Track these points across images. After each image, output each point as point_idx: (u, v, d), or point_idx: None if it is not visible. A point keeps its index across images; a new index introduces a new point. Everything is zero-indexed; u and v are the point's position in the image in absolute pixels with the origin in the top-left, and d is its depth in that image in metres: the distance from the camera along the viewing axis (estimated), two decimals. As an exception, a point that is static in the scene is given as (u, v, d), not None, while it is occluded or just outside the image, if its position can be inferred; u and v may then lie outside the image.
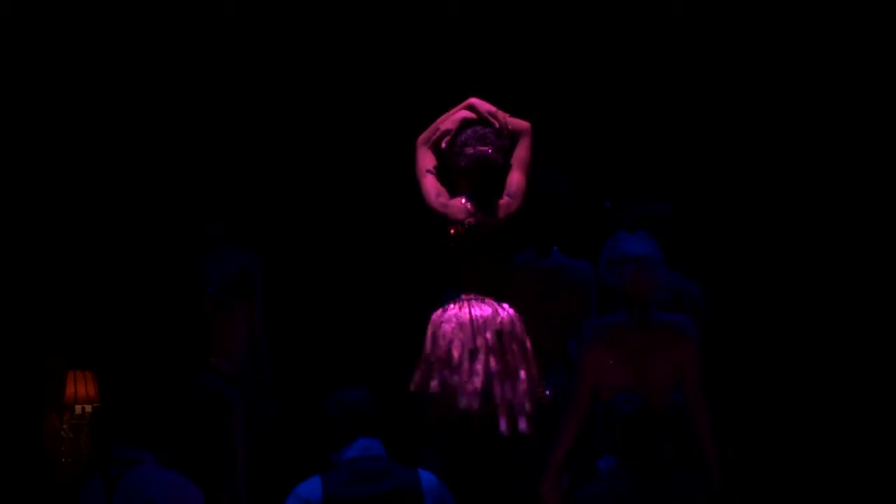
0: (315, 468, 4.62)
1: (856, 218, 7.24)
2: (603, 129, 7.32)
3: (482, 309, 5.52)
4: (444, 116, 5.73)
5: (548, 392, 5.54)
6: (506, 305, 5.57)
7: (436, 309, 5.59)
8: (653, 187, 6.80)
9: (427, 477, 4.61)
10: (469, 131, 5.70)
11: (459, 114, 5.72)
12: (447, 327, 5.53)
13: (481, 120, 5.69)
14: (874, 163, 7.23)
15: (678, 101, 7.30)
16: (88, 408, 7.31)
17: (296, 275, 7.32)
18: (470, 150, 5.67)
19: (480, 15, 7.01)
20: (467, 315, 5.53)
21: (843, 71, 7.22)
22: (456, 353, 5.47)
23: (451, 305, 5.58)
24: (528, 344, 5.55)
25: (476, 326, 5.50)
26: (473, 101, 5.73)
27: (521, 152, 5.70)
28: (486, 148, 5.67)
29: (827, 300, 7.18)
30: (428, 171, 5.68)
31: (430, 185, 5.66)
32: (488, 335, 5.49)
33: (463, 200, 5.61)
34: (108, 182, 7.14)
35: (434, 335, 5.54)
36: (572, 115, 7.27)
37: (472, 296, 5.55)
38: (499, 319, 5.51)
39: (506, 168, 5.67)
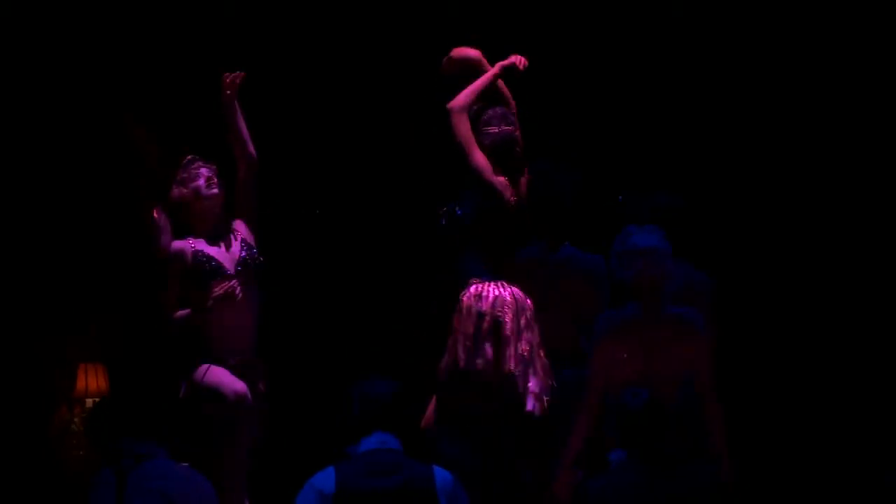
0: (332, 459, 4.61)
1: (865, 210, 7.23)
2: (611, 122, 7.31)
3: (506, 291, 5.55)
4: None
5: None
6: (516, 289, 5.59)
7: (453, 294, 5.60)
8: (662, 179, 6.80)
9: (441, 474, 4.59)
10: (490, 111, 5.68)
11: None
12: (485, 304, 5.52)
13: (497, 99, 5.68)
14: (882, 153, 7.22)
15: (685, 93, 7.30)
16: (100, 401, 7.32)
17: (306, 268, 7.33)
18: (494, 130, 5.65)
19: (483, 12, 7.00)
20: (507, 293, 5.54)
21: (848, 63, 7.20)
22: (508, 322, 5.49)
23: (476, 286, 5.57)
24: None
25: (518, 305, 5.53)
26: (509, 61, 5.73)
27: None
28: (511, 128, 5.67)
29: (836, 292, 7.18)
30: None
31: (483, 160, 5.62)
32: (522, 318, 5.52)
33: (503, 179, 5.62)
34: (116, 178, 7.13)
35: (471, 312, 5.54)
36: (580, 109, 7.26)
37: (488, 282, 5.56)
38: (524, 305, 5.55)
39: None
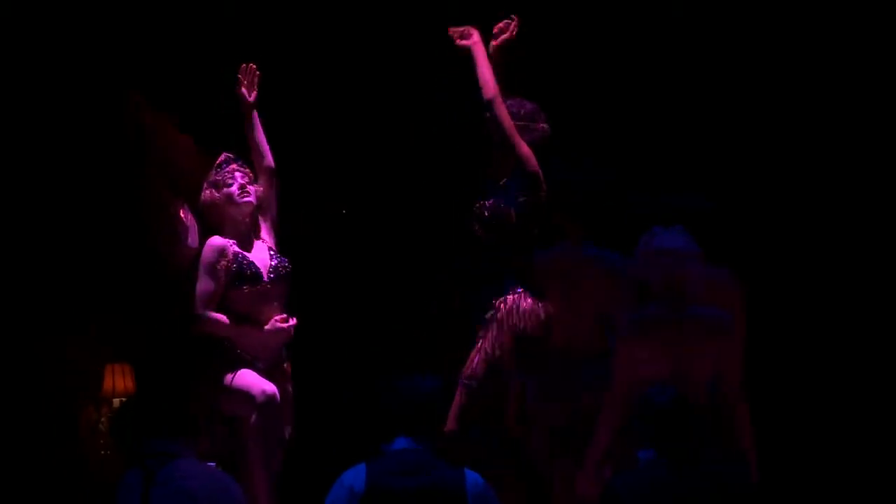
0: (361, 457, 4.61)
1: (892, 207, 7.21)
2: (637, 122, 7.30)
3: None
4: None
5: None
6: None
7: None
8: (689, 180, 6.80)
9: (472, 476, 4.58)
10: (529, 105, 5.70)
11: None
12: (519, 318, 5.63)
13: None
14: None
15: (712, 91, 7.28)
16: (127, 402, 7.33)
17: (329, 267, 7.34)
18: (540, 126, 5.68)
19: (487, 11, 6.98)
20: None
21: (865, 60, 7.17)
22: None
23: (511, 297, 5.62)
24: None
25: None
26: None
27: None
28: (547, 125, 5.70)
29: (866, 290, 7.15)
30: None
31: (528, 149, 5.62)
32: None
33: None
34: (144, 177, 7.13)
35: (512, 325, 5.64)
36: (608, 111, 7.25)
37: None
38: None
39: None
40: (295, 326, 5.82)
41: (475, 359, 5.65)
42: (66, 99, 7.06)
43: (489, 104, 5.59)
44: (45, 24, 6.96)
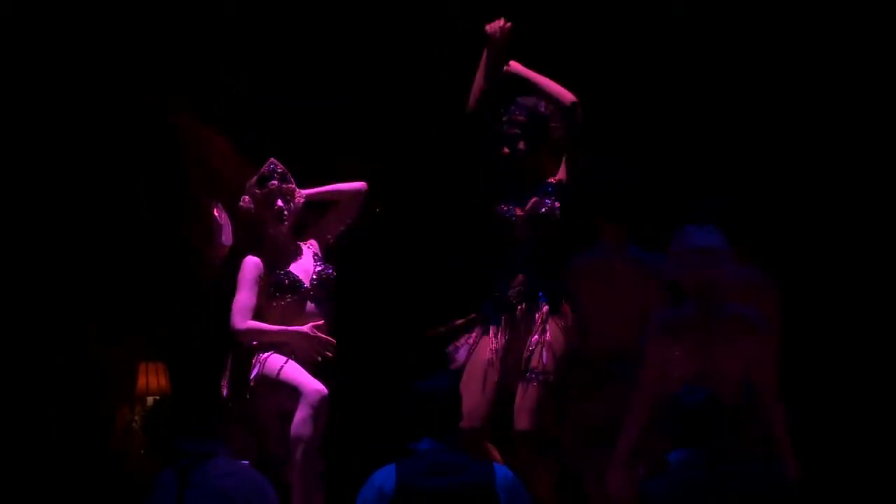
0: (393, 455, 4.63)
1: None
2: (673, 121, 7.27)
3: None
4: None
5: None
6: None
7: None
8: (722, 180, 6.77)
9: (502, 471, 4.58)
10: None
11: None
12: None
13: None
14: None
15: (748, 90, 7.25)
16: (161, 400, 7.36)
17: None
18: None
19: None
20: None
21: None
22: None
23: None
24: None
25: None
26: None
27: None
28: None
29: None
30: None
31: None
32: None
33: None
34: (177, 178, 7.16)
35: None
36: (634, 110, 7.23)
37: None
38: None
39: None
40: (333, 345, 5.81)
41: (541, 352, 5.67)
42: (86, 99, 7.10)
43: (574, 106, 5.67)
44: (88, 30, 7.00)
